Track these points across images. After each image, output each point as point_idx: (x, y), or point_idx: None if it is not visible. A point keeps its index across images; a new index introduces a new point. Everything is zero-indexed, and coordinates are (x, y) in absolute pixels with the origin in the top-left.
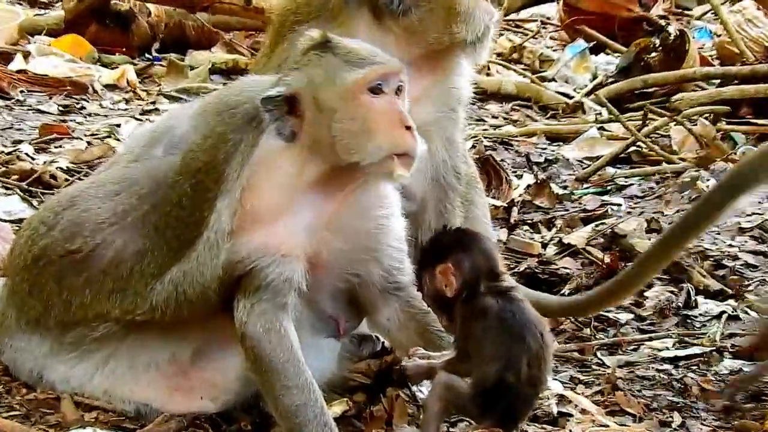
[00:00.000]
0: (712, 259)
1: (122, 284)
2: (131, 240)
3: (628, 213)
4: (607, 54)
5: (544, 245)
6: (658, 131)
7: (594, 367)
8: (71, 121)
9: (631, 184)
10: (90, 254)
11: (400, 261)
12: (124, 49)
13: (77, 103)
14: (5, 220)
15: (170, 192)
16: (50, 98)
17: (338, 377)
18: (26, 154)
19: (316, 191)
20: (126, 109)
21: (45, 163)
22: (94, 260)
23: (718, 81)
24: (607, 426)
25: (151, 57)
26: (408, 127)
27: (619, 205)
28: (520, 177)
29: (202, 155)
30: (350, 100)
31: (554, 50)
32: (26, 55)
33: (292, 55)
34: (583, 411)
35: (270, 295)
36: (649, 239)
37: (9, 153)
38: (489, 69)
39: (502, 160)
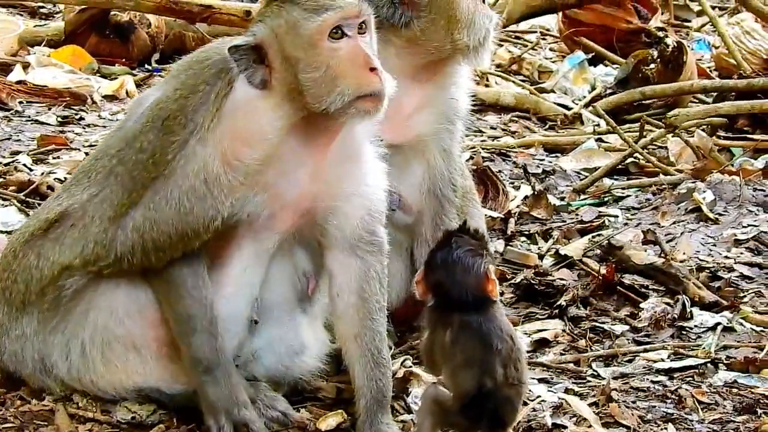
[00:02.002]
0: (707, 270)
1: (84, 232)
2: (95, 192)
3: (625, 224)
4: (606, 65)
5: (541, 256)
6: (655, 143)
7: (589, 378)
8: (70, 132)
9: (628, 196)
10: (62, 216)
11: (376, 215)
12: (123, 60)
13: (76, 114)
14: (2, 231)
15: (134, 142)
16: (49, 109)
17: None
18: (24, 165)
19: (296, 137)
20: None
21: (43, 174)
22: (66, 220)
23: (716, 94)
24: None
25: (150, 68)
26: (373, 68)
27: (616, 216)
28: (517, 188)
29: (171, 104)
30: (312, 47)
31: (553, 61)
32: (26, 66)
33: None
34: (578, 423)
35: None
36: (645, 251)
37: (7, 164)
38: (488, 80)
39: (499, 171)
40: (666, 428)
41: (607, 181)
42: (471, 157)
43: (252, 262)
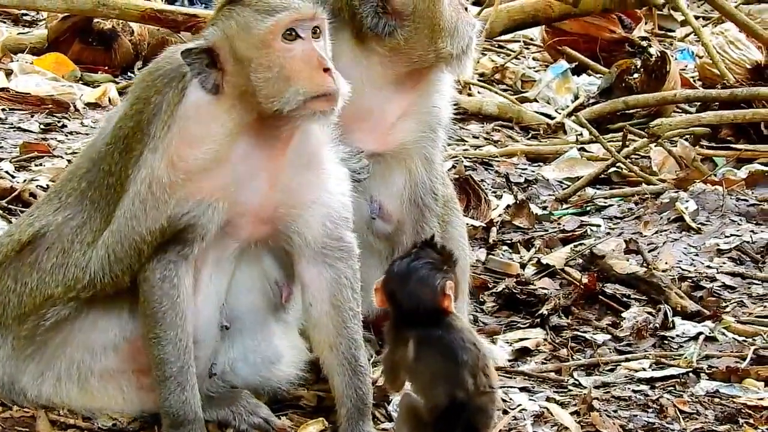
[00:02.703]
0: (689, 280)
1: (63, 258)
2: (70, 216)
3: (607, 234)
4: (589, 75)
5: (523, 265)
6: (638, 152)
7: (570, 387)
8: (52, 139)
9: (611, 205)
10: (37, 239)
11: (340, 222)
12: (106, 68)
13: (59, 122)
14: None
15: (102, 163)
16: (32, 116)
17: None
18: (6, 172)
19: (250, 141)
20: None
21: (25, 181)
22: (40, 243)
23: (699, 104)
24: None
25: (134, 75)
26: (326, 69)
27: (598, 225)
28: (499, 197)
29: (128, 122)
30: (264, 48)
31: (536, 71)
32: (8, 73)
33: None
34: (559, 431)
35: (178, 245)
36: (628, 260)
37: None
38: (470, 89)
39: (482, 180)
40: None
41: (589, 191)
42: (453, 166)
43: (216, 270)
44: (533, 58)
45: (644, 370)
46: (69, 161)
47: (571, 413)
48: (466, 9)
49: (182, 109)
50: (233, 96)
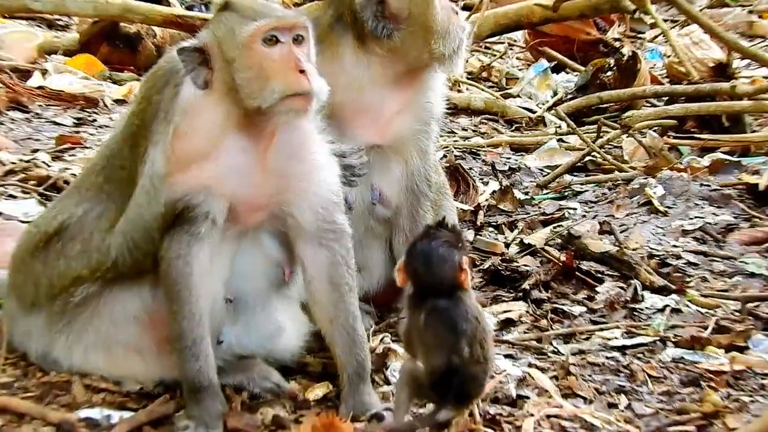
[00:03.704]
0: (657, 258)
1: (86, 245)
2: (90, 208)
3: (583, 216)
4: (567, 73)
5: (507, 245)
6: (611, 143)
7: (550, 354)
8: (84, 132)
9: (586, 191)
10: (63, 230)
11: (331, 207)
12: (131, 68)
13: (89, 116)
14: (23, 221)
15: (114, 159)
16: (65, 111)
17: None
18: (43, 162)
19: (239, 134)
20: None
21: (60, 170)
22: (66, 233)
23: (666, 99)
24: (561, 407)
25: None
26: (302, 71)
27: (575, 209)
28: (486, 183)
29: (135, 120)
30: (246, 49)
31: (519, 69)
32: (44, 73)
33: None
34: (540, 394)
35: (187, 225)
36: (601, 240)
37: (28, 161)
38: (460, 86)
39: (470, 169)
40: (619, 399)
41: (567, 178)
42: (444, 156)
43: (218, 249)
44: (517, 58)
45: (616, 338)
46: None
47: (551, 377)
48: (457, 13)
49: (177, 104)
50: (221, 92)
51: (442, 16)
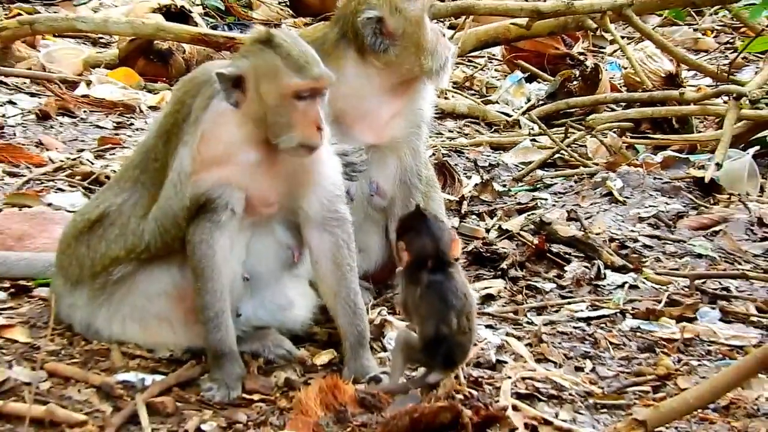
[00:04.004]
0: (617, 241)
1: (123, 230)
2: (127, 197)
3: (553, 205)
4: (539, 82)
5: (488, 230)
6: (576, 142)
7: (525, 325)
8: (122, 134)
9: (556, 183)
10: (103, 217)
11: (334, 198)
12: (164, 79)
13: (127, 121)
14: (70, 211)
15: (150, 153)
16: (106, 117)
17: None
18: (87, 159)
19: (256, 145)
20: None
21: (102, 167)
22: (106, 220)
23: (624, 104)
24: (534, 370)
25: None
26: (320, 128)
27: (546, 199)
28: (469, 177)
29: (170, 119)
30: (281, 99)
31: (498, 79)
32: (88, 83)
33: None
34: (516, 359)
35: (210, 214)
36: (569, 226)
37: (74, 159)
38: (446, 94)
39: (455, 165)
40: (584, 363)
41: (539, 172)
42: (433, 154)
43: (238, 235)
44: (495, 70)
45: (582, 311)
46: None
47: (526, 345)
48: (444, 35)
49: (207, 114)
50: (247, 114)
51: (431, 36)
